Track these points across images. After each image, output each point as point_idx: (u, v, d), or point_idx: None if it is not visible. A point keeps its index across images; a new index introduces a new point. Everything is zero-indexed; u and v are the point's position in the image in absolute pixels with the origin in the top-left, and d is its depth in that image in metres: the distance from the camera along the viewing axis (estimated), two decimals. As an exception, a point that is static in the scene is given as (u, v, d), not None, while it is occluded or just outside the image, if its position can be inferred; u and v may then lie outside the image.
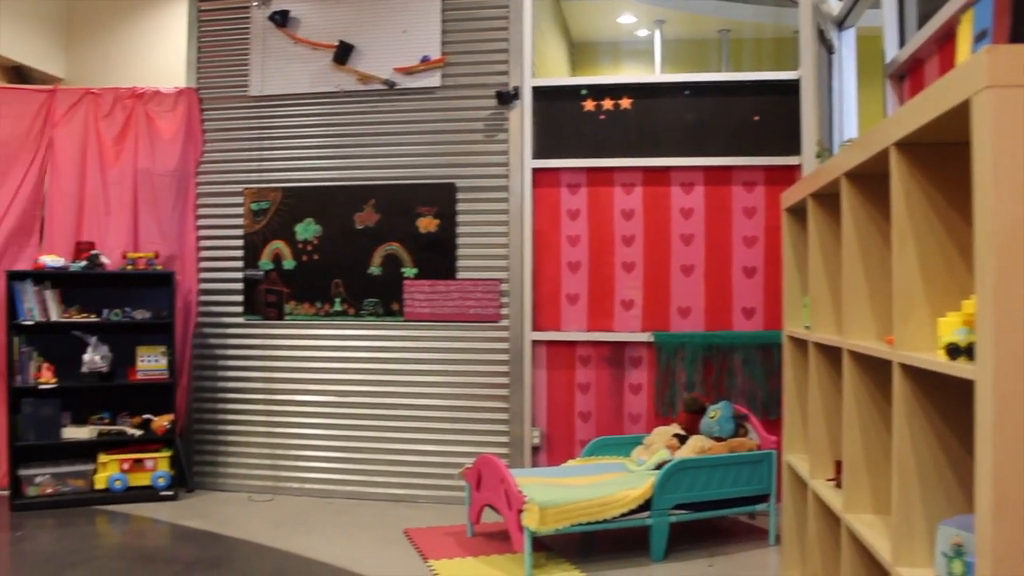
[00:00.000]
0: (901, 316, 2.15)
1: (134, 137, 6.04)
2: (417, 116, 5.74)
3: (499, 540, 4.68)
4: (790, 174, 5.29)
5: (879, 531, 2.47)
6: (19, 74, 7.12)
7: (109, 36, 7.22)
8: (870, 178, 2.64)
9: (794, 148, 5.24)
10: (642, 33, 8.27)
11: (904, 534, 2.14)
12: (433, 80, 5.70)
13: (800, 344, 3.72)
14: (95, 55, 7.25)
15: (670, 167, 5.45)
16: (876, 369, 2.64)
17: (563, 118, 5.57)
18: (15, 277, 5.60)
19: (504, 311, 5.58)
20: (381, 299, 5.73)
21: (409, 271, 5.70)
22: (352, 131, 5.83)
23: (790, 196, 3.80)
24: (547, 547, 4.54)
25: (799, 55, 5.09)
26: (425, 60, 5.69)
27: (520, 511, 4.12)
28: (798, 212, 3.78)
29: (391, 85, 5.74)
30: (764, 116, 5.37)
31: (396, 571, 4.28)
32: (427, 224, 5.68)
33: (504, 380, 5.57)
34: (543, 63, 6.11)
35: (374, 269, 5.75)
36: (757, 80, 5.39)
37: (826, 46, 4.95)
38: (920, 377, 2.14)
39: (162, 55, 6.90)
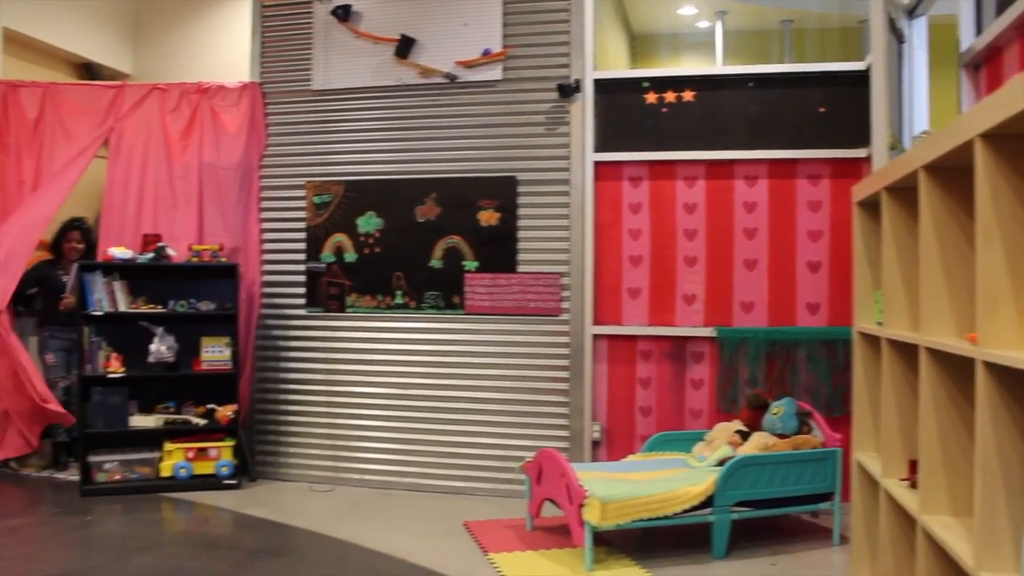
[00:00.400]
0: (986, 313, 2.08)
1: (199, 131, 6.12)
2: (478, 109, 5.73)
3: (559, 534, 4.67)
4: (857, 167, 5.18)
5: (958, 534, 2.40)
6: (89, 71, 7.27)
7: (175, 32, 7.34)
8: (950, 171, 2.57)
9: (861, 140, 5.13)
10: (703, 25, 8.17)
11: (988, 538, 2.08)
12: (494, 73, 5.69)
13: (872, 340, 3.64)
14: (161, 51, 7.37)
15: (733, 160, 5.38)
16: (955, 367, 2.57)
17: (625, 111, 5.53)
18: (85, 268, 5.72)
19: (565, 305, 5.56)
20: (442, 292, 5.74)
21: (470, 264, 5.70)
22: (414, 124, 5.84)
23: (862, 189, 3.72)
24: (607, 542, 4.51)
25: (867, 45, 4.98)
26: (486, 53, 5.69)
27: (581, 505, 4.11)
28: (870, 206, 3.69)
29: (452, 78, 5.75)
30: (830, 108, 5.27)
31: (457, 564, 4.28)
32: (488, 217, 5.68)
33: (564, 374, 5.55)
34: (604, 55, 6.07)
35: (435, 262, 5.76)
36: (823, 71, 5.29)
37: (896, 35, 4.83)
38: (1005, 375, 2.08)
39: (226, 50, 6.99)
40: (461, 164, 5.75)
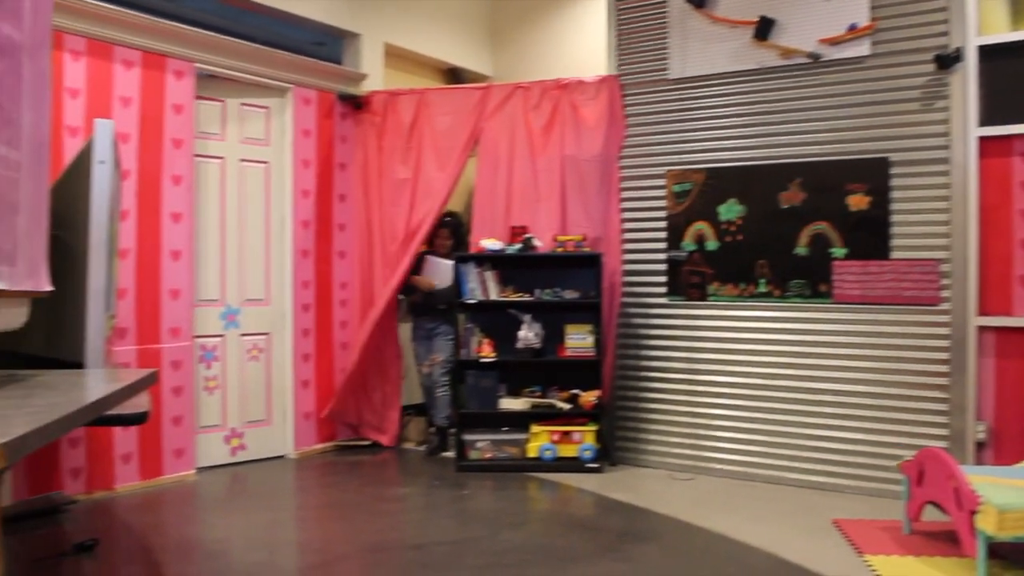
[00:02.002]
0: None
1: (560, 126, 6.33)
2: (845, 88, 5.43)
3: (942, 541, 4.33)
4: None
5: None
6: (454, 75, 7.81)
7: (530, 33, 7.69)
8: None
9: None
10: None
11: None
12: (861, 48, 5.37)
13: None
14: (518, 52, 7.75)
15: None
16: None
17: (1017, 78, 4.99)
18: (461, 260, 6.15)
19: (945, 294, 5.14)
20: (808, 280, 5.53)
21: (838, 251, 5.44)
22: (775, 108, 5.66)
23: None
24: (1001, 555, 4.11)
25: None
26: (852, 28, 5.38)
27: (973, 512, 3.78)
28: None
29: (816, 58, 5.50)
30: None
31: (830, 563, 4.10)
32: (858, 201, 5.38)
33: (943, 368, 5.13)
34: (982, 18, 5.51)
35: (800, 249, 5.56)
36: None
37: None
38: None
39: (581, 46, 7.21)
40: (827, 147, 5.49)
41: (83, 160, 3.56)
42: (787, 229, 5.60)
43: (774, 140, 5.67)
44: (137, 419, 3.29)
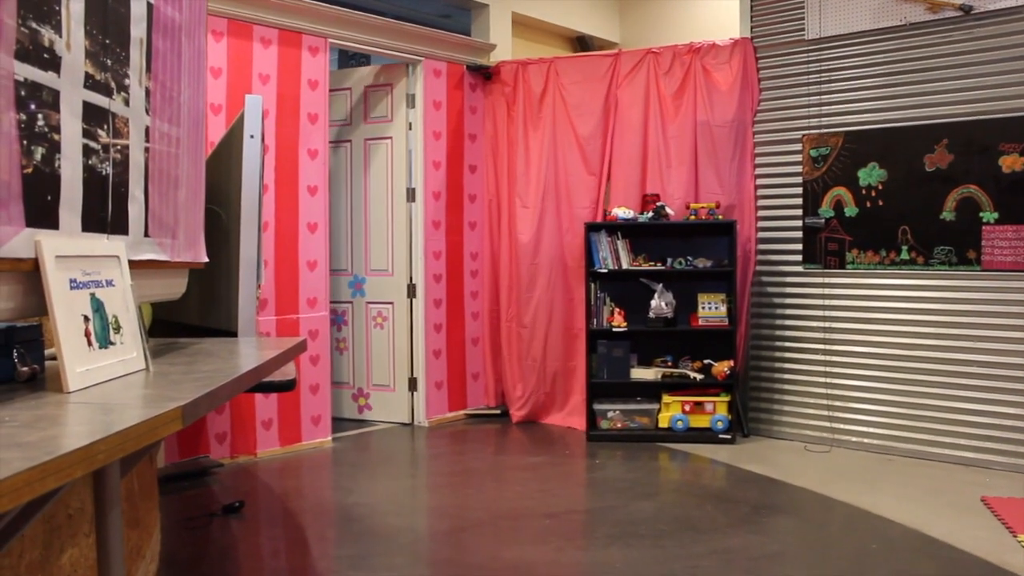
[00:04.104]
0: None
1: (692, 91, 6.20)
2: (1000, 42, 5.12)
3: (1105, 522, 4.12)
4: None
5: None
6: (582, 43, 7.75)
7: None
8: None
9: None
10: None
11: None
12: (1021, -1, 5.07)
13: None
14: (646, 17, 7.62)
15: None
16: None
17: None
18: (592, 228, 6.12)
19: (1109, 260, 4.85)
20: (954, 247, 5.28)
21: (988, 215, 5.17)
22: (920, 66, 5.40)
23: None
24: None
25: None
26: (1010, -24, 5.08)
27: None
28: None
29: (967, 10, 5.21)
30: None
31: (980, 542, 3.93)
32: (1011, 163, 5.09)
33: (1107, 339, 4.85)
34: None
35: (946, 214, 5.31)
36: None
37: None
38: None
39: (713, 9, 7.04)
40: (978, 105, 5.20)
41: (233, 135, 3.68)
42: (932, 193, 5.36)
43: (919, 100, 5.41)
44: (286, 386, 3.40)
